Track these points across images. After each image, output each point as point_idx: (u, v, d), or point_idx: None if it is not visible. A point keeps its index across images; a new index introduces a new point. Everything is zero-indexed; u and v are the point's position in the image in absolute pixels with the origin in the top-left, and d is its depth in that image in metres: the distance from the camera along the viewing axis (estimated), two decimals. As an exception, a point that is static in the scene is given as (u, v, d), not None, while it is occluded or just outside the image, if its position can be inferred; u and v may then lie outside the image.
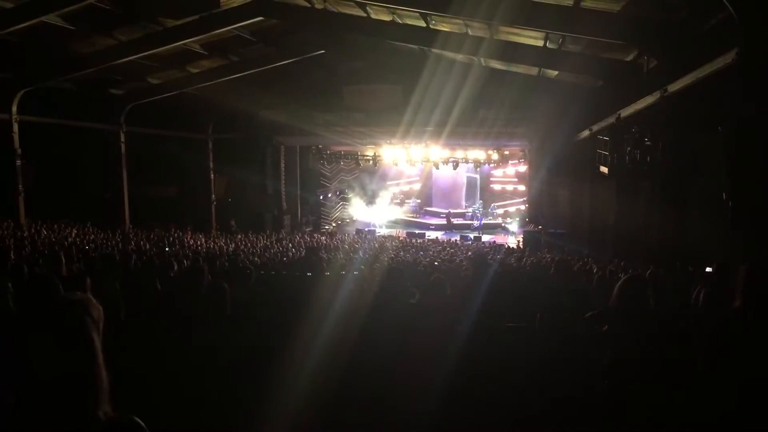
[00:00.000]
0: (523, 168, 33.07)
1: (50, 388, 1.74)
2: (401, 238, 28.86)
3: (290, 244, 20.47)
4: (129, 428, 1.86)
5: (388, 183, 38.97)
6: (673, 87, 11.57)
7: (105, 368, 1.85)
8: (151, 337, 4.34)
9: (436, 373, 4.05)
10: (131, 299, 5.34)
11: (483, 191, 38.08)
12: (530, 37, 16.75)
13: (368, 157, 32.20)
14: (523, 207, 33.59)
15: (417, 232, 32.09)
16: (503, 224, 34.97)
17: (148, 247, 15.86)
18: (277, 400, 3.84)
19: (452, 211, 36.31)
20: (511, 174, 36.72)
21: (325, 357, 4.19)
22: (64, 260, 6.77)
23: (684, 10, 11.40)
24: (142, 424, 1.87)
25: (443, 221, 35.39)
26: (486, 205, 36.92)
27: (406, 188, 39.87)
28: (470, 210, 36.14)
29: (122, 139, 23.69)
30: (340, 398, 3.94)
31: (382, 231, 33.35)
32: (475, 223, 33.69)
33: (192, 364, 3.99)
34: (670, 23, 11.99)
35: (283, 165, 30.66)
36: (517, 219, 33.87)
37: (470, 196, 37.89)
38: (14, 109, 19.14)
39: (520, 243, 25.90)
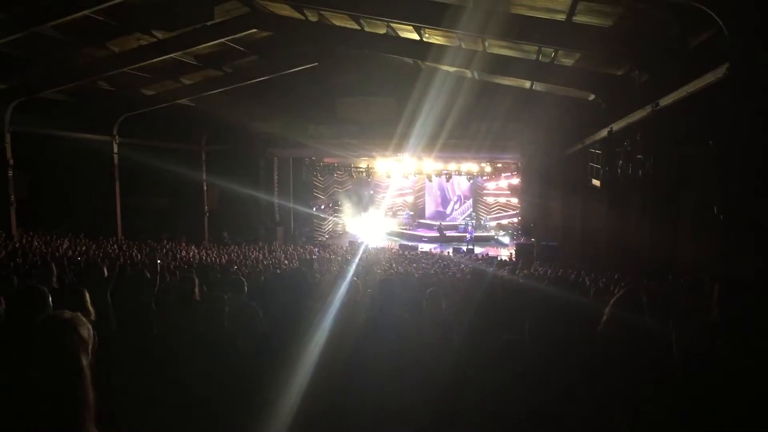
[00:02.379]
0: (515, 180, 33.15)
1: (34, 405, 1.72)
2: (394, 251, 28.86)
3: (283, 256, 20.45)
4: None
5: (381, 195, 39.03)
6: (665, 101, 11.65)
7: (92, 388, 1.83)
8: (142, 348, 4.32)
9: (430, 386, 4.04)
10: (122, 311, 5.32)
11: (475, 203, 38.20)
12: (523, 50, 16.84)
13: (361, 169, 32.24)
14: (515, 219, 33.70)
15: (410, 244, 32.11)
16: (496, 236, 35.06)
17: (140, 258, 15.80)
18: (268, 414, 3.83)
19: (443, 223, 36.51)
20: (503, 186, 36.82)
21: (318, 369, 4.18)
22: (55, 271, 6.74)
23: (675, 25, 11.48)
24: None
25: (436, 233, 35.46)
26: (478, 218, 37.06)
27: (399, 200, 39.91)
28: (462, 222, 36.23)
29: (115, 150, 23.67)
30: (334, 411, 3.93)
31: (375, 243, 33.35)
32: (467, 236, 33.73)
33: (183, 377, 3.97)
34: (662, 38, 12.09)
35: (276, 177, 30.62)
36: (510, 231, 33.97)
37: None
38: (6, 119, 19.09)
39: (513, 255, 25.94)
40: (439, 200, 38.96)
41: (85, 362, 1.84)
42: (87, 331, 1.91)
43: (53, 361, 1.78)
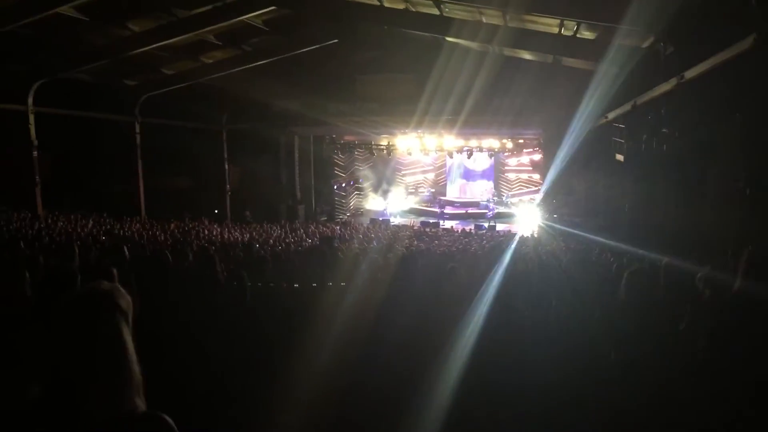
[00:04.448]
0: (537, 156, 32.87)
1: (77, 381, 1.72)
2: (415, 228, 28.84)
3: (305, 234, 20.52)
4: (157, 426, 1.82)
5: (403, 172, 38.97)
6: (690, 73, 11.44)
7: (137, 360, 1.83)
8: (163, 329, 4.35)
9: (452, 362, 4.04)
10: (145, 292, 5.35)
11: (497, 180, 38.02)
12: (545, 24, 16.62)
13: (382, 147, 32.13)
14: (538, 196, 33.51)
15: (431, 221, 32.07)
16: (518, 213, 34.89)
17: (163, 238, 15.94)
18: (292, 389, 3.85)
19: (466, 200, 36.51)
20: (525, 162, 36.55)
21: (340, 346, 4.20)
22: (77, 251, 6.81)
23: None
24: (171, 422, 1.83)
25: (459, 210, 35.40)
26: (500, 194, 36.89)
27: (420, 177, 39.80)
28: (483, 200, 36.10)
29: (137, 130, 23.83)
30: (355, 385, 3.95)
31: (396, 220, 33.36)
32: (488, 213, 33.60)
33: (203, 355, 4.00)
34: (688, 9, 11.84)
35: (296, 155, 30.64)
36: (533, 208, 33.79)
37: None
38: (30, 100, 19.26)
39: (535, 232, 25.82)
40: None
41: (127, 334, 1.83)
42: (126, 301, 1.89)
43: (93, 333, 1.77)
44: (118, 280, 4.57)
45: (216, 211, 27.75)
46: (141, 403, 1.81)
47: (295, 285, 6.07)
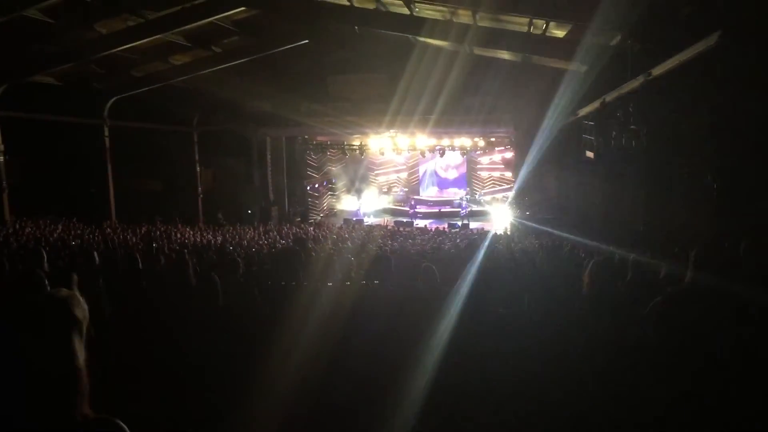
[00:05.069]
0: (509, 154, 33.07)
1: (26, 387, 1.71)
2: (389, 227, 28.86)
3: (278, 235, 20.43)
4: (108, 430, 1.83)
5: (375, 172, 38.99)
6: (657, 71, 11.61)
7: (86, 369, 1.82)
8: (136, 333, 4.32)
9: (425, 362, 4.05)
10: (115, 296, 5.30)
11: (469, 178, 38.21)
12: (515, 23, 16.72)
13: (354, 147, 32.08)
14: (510, 193, 33.70)
15: (405, 220, 32.12)
16: (491, 211, 35.06)
17: (134, 241, 15.77)
18: (263, 391, 3.84)
19: (439, 199, 36.63)
20: (497, 161, 36.77)
21: (312, 346, 4.19)
22: (46, 257, 6.71)
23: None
24: (124, 426, 1.84)
25: (432, 209, 35.52)
26: (472, 192, 37.06)
27: (393, 177, 39.85)
28: (456, 198, 36.25)
29: (106, 133, 23.54)
30: (328, 384, 3.94)
31: (370, 220, 33.37)
32: (461, 211, 33.74)
33: (178, 358, 3.98)
34: (655, 6, 12.00)
35: (269, 156, 30.47)
36: (505, 205, 33.99)
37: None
38: (-5, 105, 18.98)
39: (508, 230, 25.98)
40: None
41: (78, 343, 1.82)
42: (82, 310, 1.89)
43: (44, 340, 1.76)
44: (85, 285, 4.53)
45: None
46: (89, 412, 1.81)
47: (269, 285, 6.04)
